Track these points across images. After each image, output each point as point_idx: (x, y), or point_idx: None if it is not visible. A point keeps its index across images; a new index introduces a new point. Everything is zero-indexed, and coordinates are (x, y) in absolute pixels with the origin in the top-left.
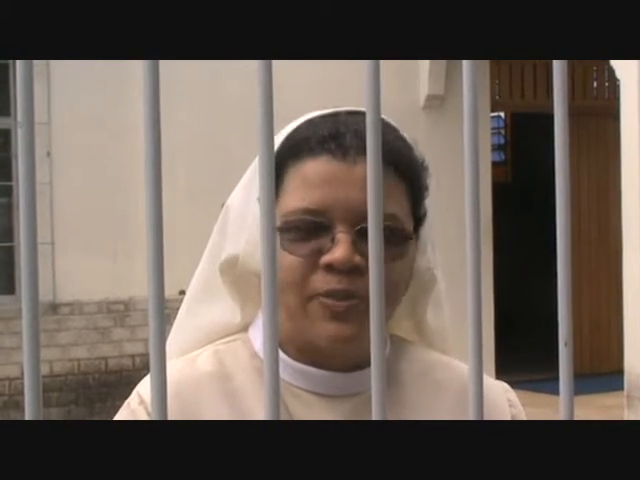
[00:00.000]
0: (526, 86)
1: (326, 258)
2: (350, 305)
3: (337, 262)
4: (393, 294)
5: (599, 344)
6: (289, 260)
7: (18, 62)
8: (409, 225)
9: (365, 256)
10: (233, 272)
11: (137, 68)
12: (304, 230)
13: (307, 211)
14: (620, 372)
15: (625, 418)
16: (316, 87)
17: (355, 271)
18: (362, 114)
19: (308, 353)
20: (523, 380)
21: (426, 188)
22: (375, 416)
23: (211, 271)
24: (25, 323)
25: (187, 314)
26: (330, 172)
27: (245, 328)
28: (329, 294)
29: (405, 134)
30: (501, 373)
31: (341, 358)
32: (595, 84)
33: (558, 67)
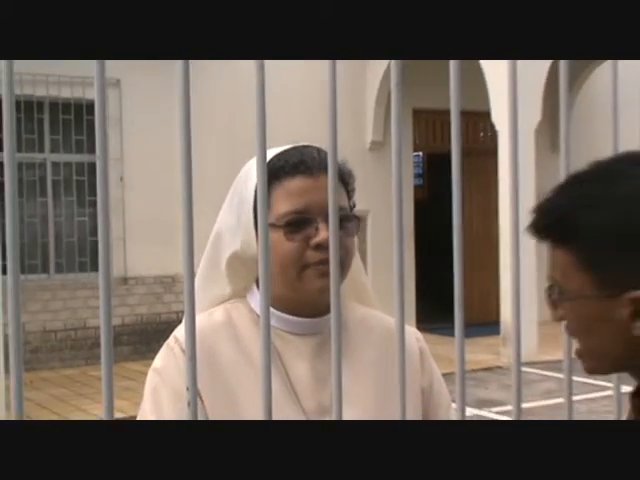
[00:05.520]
0: (437, 133)
1: (315, 240)
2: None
3: (323, 241)
4: (349, 262)
5: (485, 303)
6: (288, 245)
7: (96, 110)
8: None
9: (341, 236)
10: (235, 261)
11: (196, 113)
12: (295, 225)
13: (296, 212)
14: (497, 322)
15: (501, 353)
16: (305, 87)
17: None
18: (310, 147)
19: (291, 307)
20: (439, 327)
21: (353, 189)
22: (334, 347)
23: (211, 265)
24: (101, 292)
25: (199, 291)
26: (305, 186)
27: (235, 296)
28: (320, 263)
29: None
30: (421, 321)
31: (315, 306)
32: (482, 134)
33: (454, 114)
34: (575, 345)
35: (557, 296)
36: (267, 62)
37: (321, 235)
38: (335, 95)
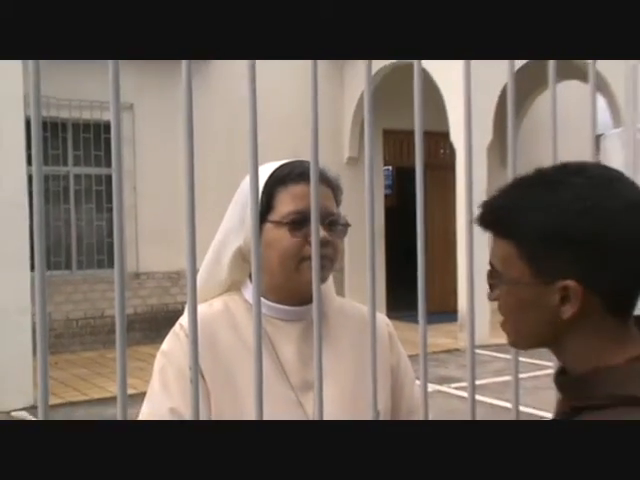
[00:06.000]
0: (404, 150)
1: None
2: (327, 262)
3: (321, 239)
4: (337, 259)
5: (444, 295)
6: (291, 240)
7: (112, 130)
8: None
9: (331, 236)
10: (238, 256)
11: (197, 132)
12: (298, 223)
13: (299, 212)
14: (455, 311)
15: (458, 338)
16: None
17: (328, 244)
18: (309, 161)
19: (282, 296)
20: (407, 315)
21: (340, 201)
22: (316, 335)
23: (216, 260)
24: (116, 286)
25: (201, 282)
26: (307, 191)
27: (232, 286)
28: None
29: (327, 171)
30: (391, 310)
31: (305, 294)
32: (442, 151)
33: (418, 133)
34: (502, 321)
35: (496, 280)
36: (264, 86)
37: (320, 233)
38: (316, 94)
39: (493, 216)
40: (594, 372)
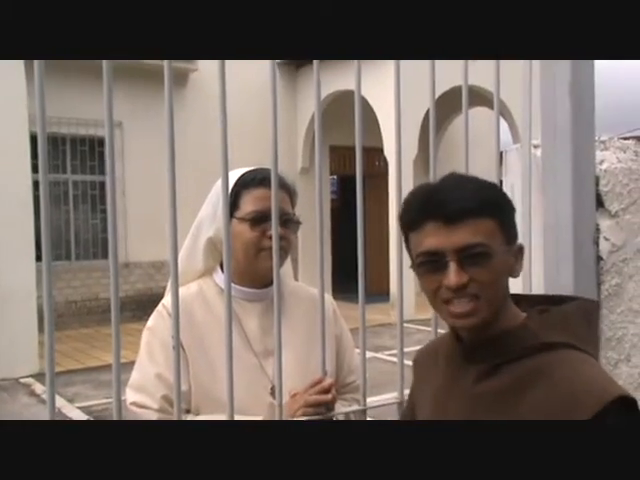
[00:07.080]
0: (346, 162)
1: (270, 232)
2: (282, 252)
3: (279, 234)
4: (291, 250)
5: (379, 280)
6: (251, 234)
7: (107, 146)
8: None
9: (286, 232)
10: (210, 245)
11: (179, 145)
12: (258, 220)
13: (259, 211)
14: (388, 293)
15: (390, 314)
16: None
17: (283, 238)
18: (269, 169)
19: (246, 280)
20: (349, 296)
21: (295, 203)
22: (276, 313)
23: (192, 248)
24: (111, 276)
25: (180, 269)
26: (266, 195)
27: (205, 272)
28: (272, 248)
29: (285, 178)
30: (337, 291)
31: (264, 280)
32: (377, 163)
33: (358, 150)
34: (472, 304)
35: (487, 254)
36: (231, 109)
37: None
38: (276, 113)
39: (477, 202)
40: (500, 334)
